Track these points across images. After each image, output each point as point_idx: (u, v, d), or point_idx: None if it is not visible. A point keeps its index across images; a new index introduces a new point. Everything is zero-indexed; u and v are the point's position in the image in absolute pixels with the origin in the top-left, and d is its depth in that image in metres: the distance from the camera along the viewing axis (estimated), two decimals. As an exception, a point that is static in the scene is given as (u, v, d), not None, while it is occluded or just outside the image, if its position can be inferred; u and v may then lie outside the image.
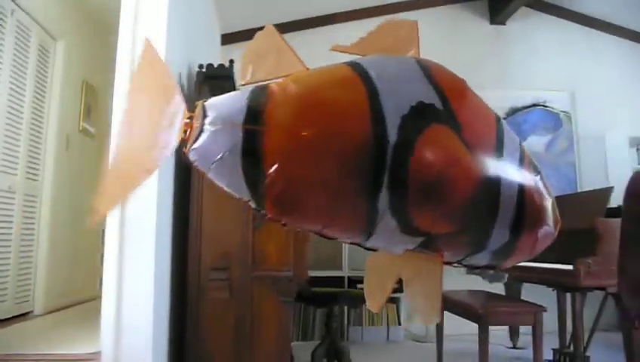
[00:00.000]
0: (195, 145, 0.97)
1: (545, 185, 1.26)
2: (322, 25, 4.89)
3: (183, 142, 0.99)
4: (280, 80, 1.05)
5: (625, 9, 5.21)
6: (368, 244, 1.14)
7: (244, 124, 0.96)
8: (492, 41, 5.23)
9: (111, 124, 2.28)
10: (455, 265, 1.31)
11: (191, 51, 3.15)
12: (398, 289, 3.23)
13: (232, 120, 0.97)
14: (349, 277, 4.35)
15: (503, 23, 5.32)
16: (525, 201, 1.16)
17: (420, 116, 1.04)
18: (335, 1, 4.80)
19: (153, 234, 2.22)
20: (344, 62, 1.10)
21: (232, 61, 2.99)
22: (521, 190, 1.16)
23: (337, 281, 4.27)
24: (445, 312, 3.36)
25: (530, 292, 3.65)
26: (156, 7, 2.36)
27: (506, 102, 5.15)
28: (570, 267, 2.87)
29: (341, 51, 1.19)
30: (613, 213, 2.88)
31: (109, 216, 2.19)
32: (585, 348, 3.42)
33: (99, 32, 4.32)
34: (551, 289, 3.69)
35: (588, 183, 4.95)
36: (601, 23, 5.47)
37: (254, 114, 0.97)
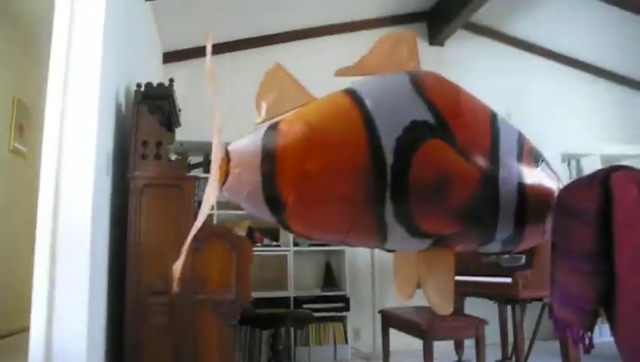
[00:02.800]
0: (225, 186, 1.17)
1: (549, 173, 1.32)
2: (264, 45, 4.89)
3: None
4: (289, 115, 1.19)
5: (554, 33, 5.47)
6: (387, 248, 1.29)
7: (261, 166, 1.13)
8: (431, 62, 5.26)
9: (43, 143, 2.18)
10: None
11: (130, 69, 3.08)
12: (344, 308, 3.29)
13: (252, 162, 1.14)
14: (294, 298, 4.30)
15: (442, 45, 5.49)
16: (526, 194, 1.24)
17: (413, 135, 1.15)
18: (275, 22, 4.80)
19: (87, 258, 2.13)
20: (343, 90, 1.24)
21: (171, 80, 2.94)
22: (521, 184, 1.24)
23: (283, 302, 4.21)
24: (390, 329, 3.38)
25: (474, 306, 3.72)
26: (91, 23, 2.30)
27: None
28: (509, 280, 2.94)
29: (344, 75, 1.34)
30: (548, 226, 2.98)
31: (39, 241, 2.08)
32: (526, 358, 3.51)
33: (31, 48, 4.16)
34: (493, 301, 3.78)
35: (525, 198, 5.13)
36: (533, 46, 5.72)
37: (268, 155, 1.13)
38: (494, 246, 1.31)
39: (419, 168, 1.14)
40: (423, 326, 2.75)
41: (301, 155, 1.14)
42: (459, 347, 4.16)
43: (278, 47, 4.94)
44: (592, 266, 1.21)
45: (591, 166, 5.36)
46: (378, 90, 1.26)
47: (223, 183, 1.18)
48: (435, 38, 5.39)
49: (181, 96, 3.40)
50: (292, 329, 4.14)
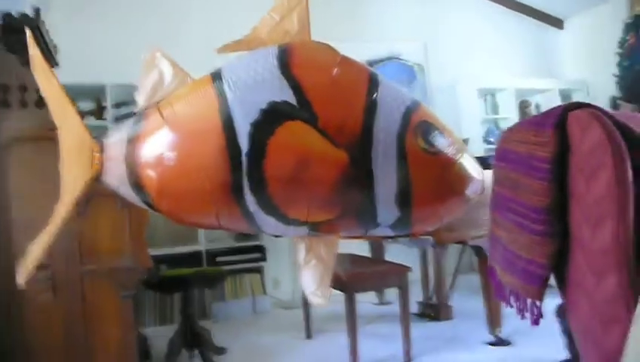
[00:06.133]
0: (102, 178, 1.16)
1: (444, 147, 1.14)
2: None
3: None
4: (162, 101, 1.15)
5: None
6: (267, 234, 1.26)
7: (125, 158, 1.13)
8: (341, -8, 5.03)
9: None
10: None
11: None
12: (260, 258, 3.11)
13: (119, 154, 1.13)
14: (207, 251, 4.01)
15: (354, -26, 5.15)
16: (410, 175, 1.11)
17: (270, 117, 1.07)
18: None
19: None
20: (211, 73, 1.17)
21: (37, 9, 2.44)
22: (401, 164, 1.10)
23: (194, 258, 3.92)
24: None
25: (394, 249, 3.63)
26: None
27: (362, 56, 5.02)
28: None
29: (227, 51, 1.22)
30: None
31: None
32: (447, 298, 3.50)
33: None
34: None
35: (442, 135, 5.06)
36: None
37: (131, 146, 1.12)
38: (384, 231, 1.21)
39: (275, 154, 1.06)
40: (344, 278, 2.58)
41: (158, 145, 1.10)
42: (380, 291, 4.11)
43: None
44: (543, 225, 1.01)
45: (505, 100, 5.36)
46: (240, 68, 1.15)
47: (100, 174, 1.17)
48: (347, -34, 5.04)
49: (60, 29, 2.90)
50: (204, 289, 3.90)
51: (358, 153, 1.09)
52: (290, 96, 1.08)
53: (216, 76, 1.14)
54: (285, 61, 1.12)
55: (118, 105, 4.01)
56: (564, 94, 5.59)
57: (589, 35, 5.70)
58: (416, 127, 1.13)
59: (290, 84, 1.09)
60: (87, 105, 3.95)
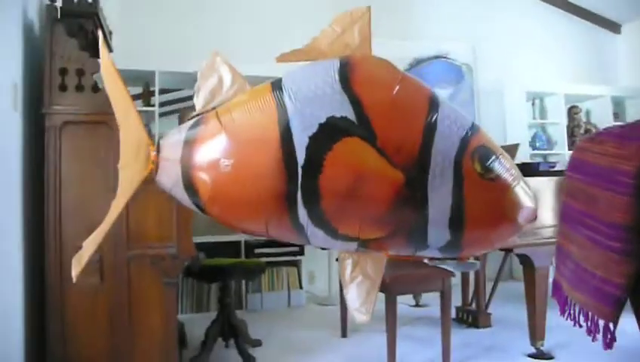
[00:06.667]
0: (156, 177, 1.19)
1: (501, 173, 1.11)
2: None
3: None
4: (221, 107, 1.17)
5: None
6: (315, 246, 1.28)
7: (180, 160, 1.14)
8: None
9: None
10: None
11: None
12: (298, 252, 3.11)
13: (174, 157, 1.15)
14: (245, 242, 4.03)
15: (405, -28, 5.07)
16: (465, 199, 1.09)
17: (329, 132, 1.07)
18: None
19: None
20: (271, 82, 1.17)
21: (96, -5, 2.47)
22: (458, 188, 1.09)
23: (233, 248, 3.94)
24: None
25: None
26: None
27: (408, 53, 4.95)
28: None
29: (287, 61, 1.21)
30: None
31: None
32: (486, 306, 3.41)
33: None
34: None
35: (487, 137, 4.94)
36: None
37: (187, 150, 1.14)
38: (432, 253, 1.21)
39: (331, 169, 1.07)
40: (386, 280, 2.53)
41: (214, 151, 1.12)
42: (417, 293, 4.05)
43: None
44: (621, 243, 0.96)
45: (554, 105, 5.20)
46: (301, 80, 1.15)
47: (155, 173, 1.20)
48: (398, -39, 4.95)
49: (115, 15, 2.94)
50: (242, 281, 3.92)
51: (414, 174, 1.08)
52: (349, 113, 1.08)
53: (276, 86, 1.14)
54: (347, 76, 1.12)
55: (164, 91, 4.05)
56: (617, 101, 5.40)
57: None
58: (474, 152, 1.12)
59: (350, 100, 1.09)
60: (137, 89, 4.00)
